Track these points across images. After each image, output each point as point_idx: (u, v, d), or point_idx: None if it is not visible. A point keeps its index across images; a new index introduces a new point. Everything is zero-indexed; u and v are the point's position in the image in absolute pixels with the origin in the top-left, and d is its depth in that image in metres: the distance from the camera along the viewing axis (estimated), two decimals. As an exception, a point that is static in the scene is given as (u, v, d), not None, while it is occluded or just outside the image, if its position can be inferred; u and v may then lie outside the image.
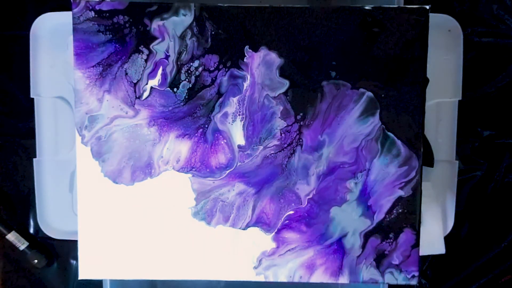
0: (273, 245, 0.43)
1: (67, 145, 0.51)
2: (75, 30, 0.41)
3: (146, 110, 0.42)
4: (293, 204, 0.43)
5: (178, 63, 0.42)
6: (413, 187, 0.42)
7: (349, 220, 0.43)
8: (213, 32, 0.41)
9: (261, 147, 0.42)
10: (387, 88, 0.42)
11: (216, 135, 0.42)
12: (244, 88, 0.42)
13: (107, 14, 0.41)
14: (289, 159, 0.42)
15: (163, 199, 0.43)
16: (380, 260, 0.43)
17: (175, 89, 0.42)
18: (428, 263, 0.59)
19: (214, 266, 0.43)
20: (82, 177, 0.43)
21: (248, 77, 0.42)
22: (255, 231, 0.43)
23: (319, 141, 0.42)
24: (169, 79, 0.42)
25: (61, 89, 0.51)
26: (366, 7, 0.41)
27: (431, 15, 0.41)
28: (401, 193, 0.42)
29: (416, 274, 0.43)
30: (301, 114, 0.42)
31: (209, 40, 0.41)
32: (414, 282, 0.43)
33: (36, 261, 0.58)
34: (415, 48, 0.41)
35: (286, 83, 0.42)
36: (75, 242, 0.43)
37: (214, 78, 0.42)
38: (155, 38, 0.41)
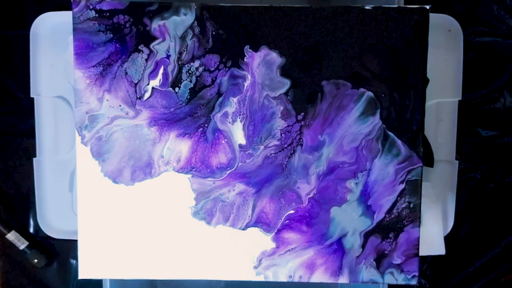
0: (273, 245, 0.43)
1: (67, 145, 0.51)
2: (75, 29, 0.41)
3: (147, 111, 0.42)
4: (293, 204, 0.43)
5: (179, 62, 0.42)
6: (413, 183, 0.42)
7: (349, 220, 0.43)
8: (213, 32, 0.41)
9: (262, 147, 0.42)
10: (387, 87, 0.42)
11: (216, 134, 0.42)
12: (245, 88, 0.42)
13: (107, 14, 0.41)
14: (289, 159, 0.42)
15: (163, 198, 0.43)
16: (380, 260, 0.43)
17: (176, 89, 0.42)
18: (428, 263, 0.59)
19: (214, 266, 0.43)
20: (82, 176, 0.43)
21: (249, 77, 0.42)
22: (255, 231, 0.43)
23: (319, 141, 0.42)
24: (170, 79, 0.42)
25: (61, 89, 0.51)
26: (366, 7, 0.41)
27: (431, 15, 0.41)
28: (401, 187, 0.42)
29: (416, 274, 0.43)
30: (302, 114, 0.42)
31: (210, 40, 0.41)
32: (414, 282, 0.43)
33: (36, 260, 0.58)
34: (415, 48, 0.41)
35: (287, 82, 0.42)
36: (75, 242, 0.43)
37: (214, 78, 0.42)
38: (155, 38, 0.41)
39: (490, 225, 0.59)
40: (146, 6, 0.41)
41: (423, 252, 0.45)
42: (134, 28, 0.41)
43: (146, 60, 0.42)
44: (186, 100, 0.42)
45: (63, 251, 0.60)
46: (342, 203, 0.43)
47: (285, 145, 0.42)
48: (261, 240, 0.43)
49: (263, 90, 0.42)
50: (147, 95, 0.42)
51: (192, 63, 0.42)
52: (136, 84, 0.42)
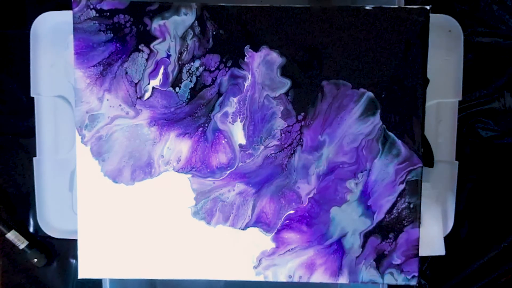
0: (273, 245, 0.43)
1: (67, 144, 0.51)
2: (75, 29, 0.41)
3: (147, 110, 0.42)
4: (293, 204, 0.43)
5: (180, 62, 0.42)
6: (413, 184, 0.42)
7: (348, 220, 0.43)
8: (214, 32, 0.41)
9: (262, 147, 0.42)
10: (388, 88, 0.42)
11: (216, 134, 0.42)
12: (245, 88, 0.42)
13: (108, 13, 0.41)
14: (289, 159, 0.42)
15: (163, 198, 0.43)
16: (380, 260, 0.43)
17: (177, 89, 0.42)
18: (427, 263, 0.59)
19: (214, 266, 0.43)
20: (82, 176, 0.43)
21: (249, 76, 0.42)
22: (254, 231, 0.43)
23: (319, 141, 0.42)
24: (171, 79, 0.42)
25: (61, 88, 0.51)
26: (367, 7, 0.41)
27: (431, 15, 0.41)
28: (401, 187, 0.42)
29: (416, 274, 0.43)
30: (302, 114, 0.42)
31: (210, 40, 0.41)
32: (413, 282, 0.43)
33: (35, 260, 0.58)
34: (415, 48, 0.41)
35: (288, 82, 0.42)
36: (74, 241, 0.43)
37: (214, 78, 0.42)
38: (156, 38, 0.41)
39: (490, 225, 0.59)
40: (147, 6, 0.41)
41: (423, 252, 0.45)
42: (134, 27, 0.41)
43: (147, 59, 0.42)
44: (187, 100, 0.42)
45: (63, 251, 0.59)
46: (342, 203, 0.43)
47: (285, 145, 0.42)
48: (261, 240, 0.43)
49: (263, 90, 0.42)
50: (147, 94, 0.42)
51: (192, 63, 0.42)
52: (136, 84, 0.42)
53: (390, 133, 0.42)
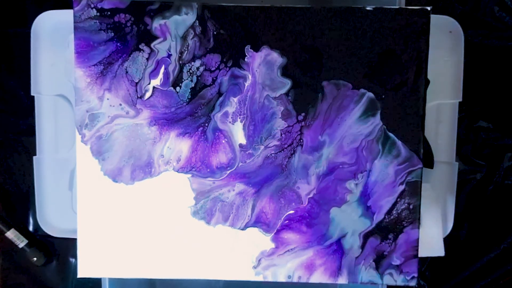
0: (272, 245, 0.43)
1: (67, 143, 0.51)
2: (76, 28, 0.41)
3: (148, 110, 0.42)
4: (293, 204, 0.43)
5: (180, 62, 0.42)
6: (413, 185, 0.42)
7: (348, 221, 0.43)
8: (215, 32, 0.41)
9: (262, 147, 0.42)
10: (388, 88, 0.42)
11: (216, 133, 0.42)
12: (245, 88, 0.42)
13: (109, 13, 0.41)
14: (289, 159, 0.42)
15: (163, 198, 0.43)
16: (379, 261, 0.43)
17: (177, 89, 0.42)
18: (427, 264, 0.59)
19: (213, 266, 0.43)
20: (82, 175, 0.43)
21: (249, 76, 0.42)
22: (254, 231, 0.43)
23: (319, 141, 0.42)
24: (171, 78, 0.42)
25: (61, 87, 0.51)
26: (367, 8, 0.41)
27: (432, 16, 0.41)
28: (401, 188, 0.42)
29: (415, 275, 0.43)
30: (302, 114, 0.42)
31: (211, 39, 0.41)
32: (413, 283, 0.43)
33: (35, 259, 0.58)
34: (416, 49, 0.41)
35: (288, 82, 0.42)
36: (74, 240, 0.43)
37: (214, 78, 0.42)
38: (156, 37, 0.41)
39: (490, 227, 0.59)
40: (147, 5, 0.41)
41: (422, 253, 0.45)
42: (135, 27, 0.41)
43: (147, 59, 0.42)
44: (187, 100, 0.42)
45: (62, 250, 0.60)
46: (341, 203, 0.43)
47: (285, 145, 0.42)
48: (261, 240, 0.43)
49: (264, 90, 0.42)
50: (148, 94, 0.42)
51: (193, 63, 0.42)
52: (137, 83, 0.42)
53: (390, 134, 0.42)
